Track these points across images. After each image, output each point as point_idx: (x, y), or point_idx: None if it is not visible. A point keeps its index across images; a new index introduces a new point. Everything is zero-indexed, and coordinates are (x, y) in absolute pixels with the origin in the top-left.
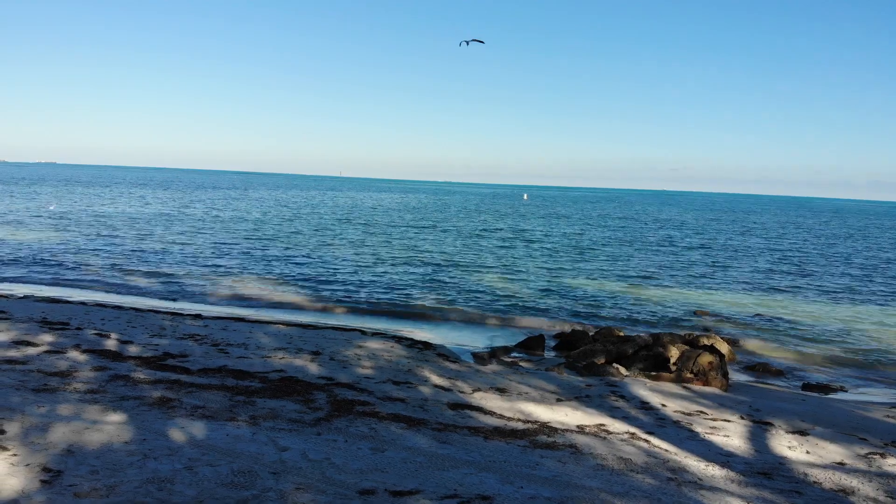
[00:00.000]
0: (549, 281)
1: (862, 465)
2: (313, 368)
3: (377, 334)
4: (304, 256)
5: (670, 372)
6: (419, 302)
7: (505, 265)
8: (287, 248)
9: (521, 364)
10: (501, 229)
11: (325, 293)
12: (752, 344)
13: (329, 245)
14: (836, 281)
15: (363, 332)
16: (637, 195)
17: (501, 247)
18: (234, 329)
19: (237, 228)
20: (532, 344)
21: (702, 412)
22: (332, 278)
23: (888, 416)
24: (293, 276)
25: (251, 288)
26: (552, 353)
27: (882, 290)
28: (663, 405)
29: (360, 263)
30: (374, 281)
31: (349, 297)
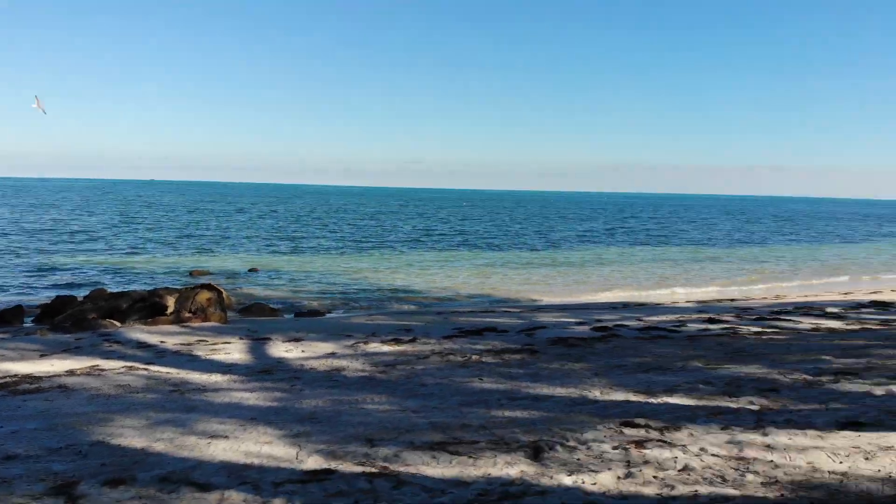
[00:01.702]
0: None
1: (350, 351)
2: None
3: None
4: None
5: (168, 316)
6: None
7: None
8: None
9: None
10: None
11: None
12: (249, 290)
13: None
14: (322, 243)
15: None
16: None
17: None
18: None
19: None
20: (7, 317)
21: (203, 340)
22: None
23: (368, 321)
24: None
25: None
26: (33, 325)
27: (352, 246)
28: (162, 342)
29: None
30: None
31: None
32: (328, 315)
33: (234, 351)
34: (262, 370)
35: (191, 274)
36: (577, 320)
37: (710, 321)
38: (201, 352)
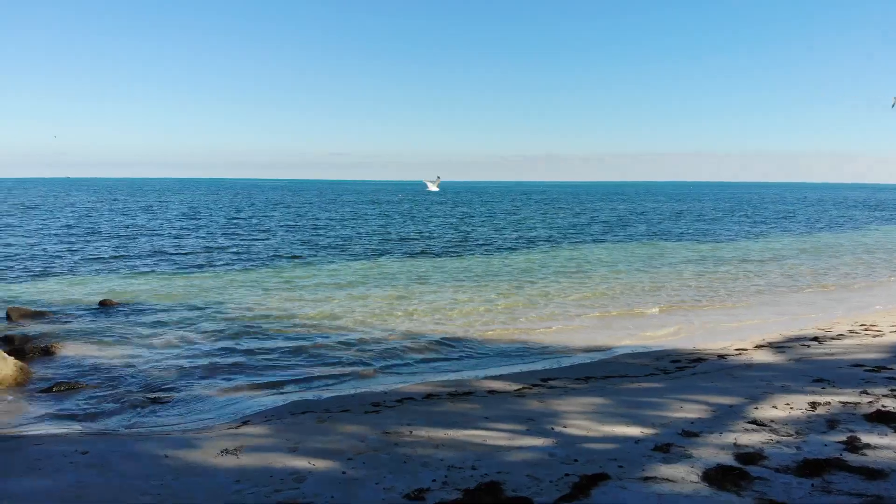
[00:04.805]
0: None
1: None
2: None
3: None
4: None
5: None
6: None
7: None
8: None
9: None
10: None
11: None
12: (78, 349)
13: None
14: (221, 256)
15: None
16: None
17: None
18: None
19: None
20: None
21: None
22: None
23: (232, 444)
24: None
25: None
26: None
27: (266, 260)
28: None
29: None
30: None
31: None
32: (165, 413)
33: None
34: None
35: (7, 315)
36: (650, 431)
37: None
38: None
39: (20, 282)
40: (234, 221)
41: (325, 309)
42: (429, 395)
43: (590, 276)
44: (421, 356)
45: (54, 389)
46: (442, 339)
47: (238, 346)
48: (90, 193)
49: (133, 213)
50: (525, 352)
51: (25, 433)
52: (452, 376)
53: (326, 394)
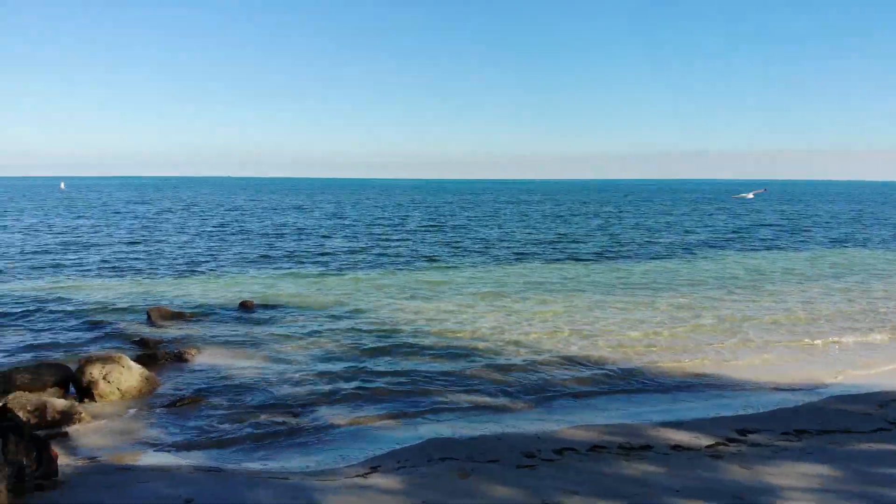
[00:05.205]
0: None
1: None
2: None
3: None
4: None
5: None
6: None
7: None
8: None
9: None
10: None
11: None
12: (210, 356)
13: None
14: (366, 256)
15: None
16: None
17: None
18: None
19: None
20: None
21: None
22: None
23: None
24: None
25: None
26: None
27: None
28: None
29: None
30: None
31: None
32: (287, 442)
33: None
34: None
35: (148, 316)
36: None
37: None
38: None
39: (166, 279)
40: (378, 221)
41: (466, 324)
42: (595, 447)
43: (775, 292)
44: (580, 387)
45: (177, 405)
46: (604, 366)
47: (372, 366)
48: (247, 192)
49: (284, 211)
50: (708, 389)
51: (135, 463)
52: (622, 419)
53: (468, 432)
